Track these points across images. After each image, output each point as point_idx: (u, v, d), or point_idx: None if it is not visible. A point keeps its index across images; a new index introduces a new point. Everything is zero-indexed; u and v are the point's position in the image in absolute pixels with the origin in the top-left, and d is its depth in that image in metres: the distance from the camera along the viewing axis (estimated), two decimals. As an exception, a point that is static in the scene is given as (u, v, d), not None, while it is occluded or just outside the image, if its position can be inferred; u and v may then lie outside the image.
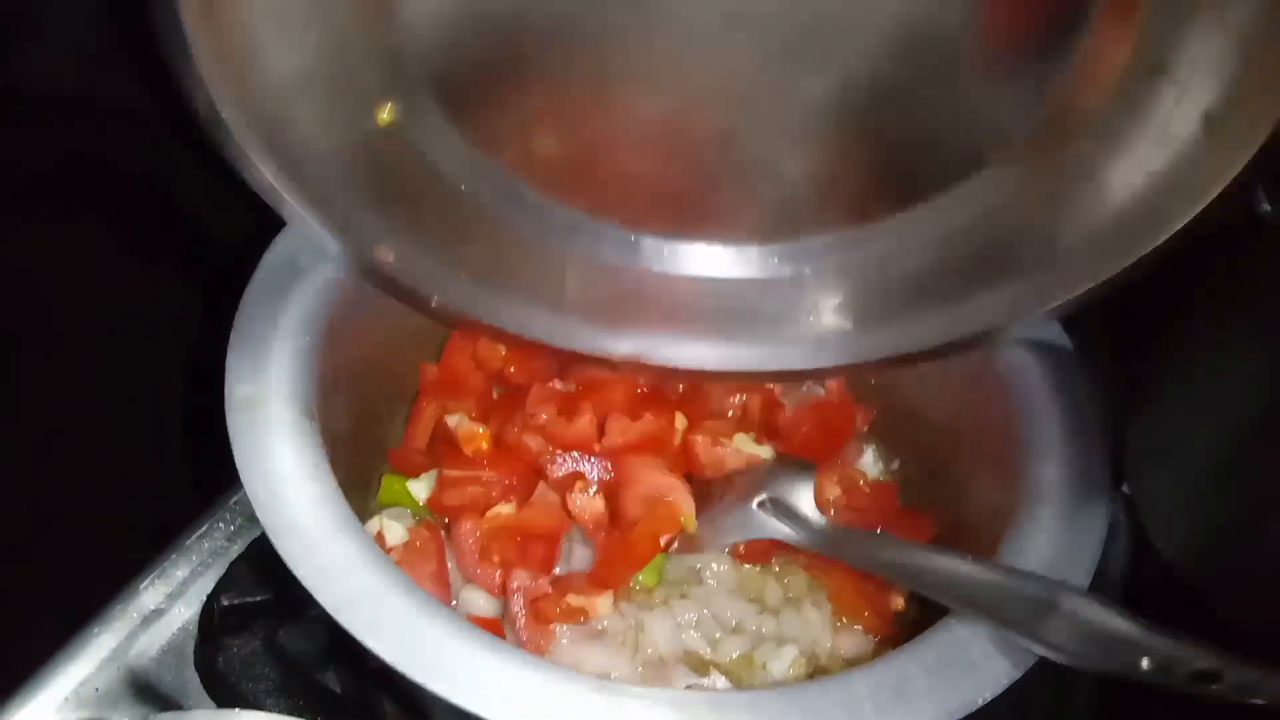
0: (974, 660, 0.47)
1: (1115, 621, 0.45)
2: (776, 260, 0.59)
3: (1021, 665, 0.47)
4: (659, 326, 0.62)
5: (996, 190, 0.54)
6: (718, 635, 0.65)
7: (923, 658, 0.47)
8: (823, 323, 0.61)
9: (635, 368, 0.64)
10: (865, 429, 0.75)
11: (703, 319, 0.62)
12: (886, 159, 0.54)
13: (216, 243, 0.77)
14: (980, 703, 0.46)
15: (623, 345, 0.62)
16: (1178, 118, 0.48)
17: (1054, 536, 0.52)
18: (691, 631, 0.65)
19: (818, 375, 0.70)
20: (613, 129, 0.51)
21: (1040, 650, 0.46)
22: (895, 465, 0.75)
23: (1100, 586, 0.83)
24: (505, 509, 0.64)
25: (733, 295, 0.60)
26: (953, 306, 0.59)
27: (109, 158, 0.72)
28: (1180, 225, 0.52)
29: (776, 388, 0.77)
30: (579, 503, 0.66)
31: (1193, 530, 0.84)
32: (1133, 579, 0.86)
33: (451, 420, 0.70)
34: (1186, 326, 0.87)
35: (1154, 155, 0.49)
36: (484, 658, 0.44)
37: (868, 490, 0.71)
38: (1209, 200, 0.50)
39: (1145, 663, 0.43)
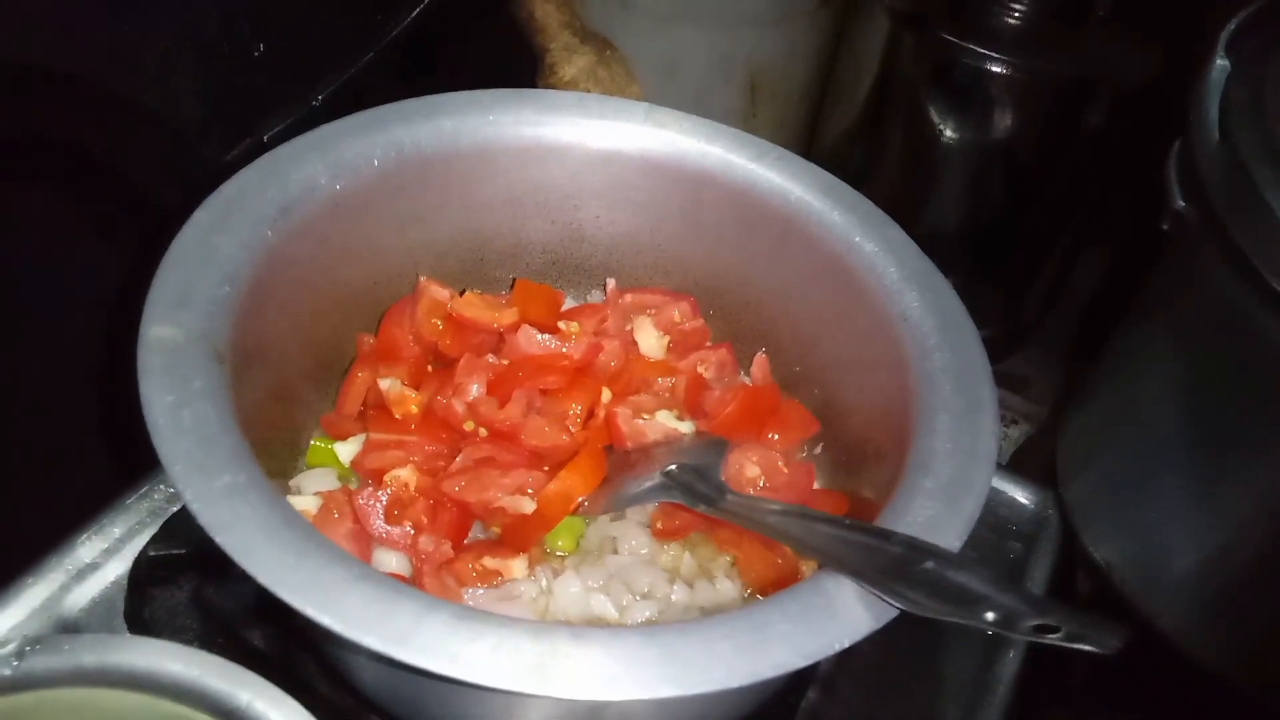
0: (835, 611, 0.48)
1: (965, 579, 0.46)
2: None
3: (881, 618, 0.48)
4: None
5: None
6: (626, 601, 0.66)
7: (786, 607, 0.48)
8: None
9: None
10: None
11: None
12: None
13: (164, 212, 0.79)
14: (837, 648, 0.47)
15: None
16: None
17: (932, 503, 0.54)
18: (601, 596, 0.66)
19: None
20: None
21: (897, 603, 0.48)
22: (819, 449, 0.77)
23: (1023, 577, 0.85)
24: (403, 473, 0.66)
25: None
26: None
27: (57, 126, 0.75)
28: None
29: (705, 370, 0.80)
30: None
31: (1117, 532, 0.85)
32: (1062, 575, 0.88)
33: (384, 383, 0.72)
34: (1118, 332, 0.89)
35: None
36: (354, 584, 0.46)
37: (785, 470, 0.73)
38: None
39: (990, 615, 0.44)
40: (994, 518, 0.88)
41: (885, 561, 0.49)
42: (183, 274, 0.58)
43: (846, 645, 0.47)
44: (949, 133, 1.11)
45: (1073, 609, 0.43)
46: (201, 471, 0.49)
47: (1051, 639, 0.43)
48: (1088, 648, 0.42)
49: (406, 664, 0.44)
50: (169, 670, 0.47)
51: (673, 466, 0.66)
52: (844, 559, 0.50)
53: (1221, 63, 0.70)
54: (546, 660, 0.44)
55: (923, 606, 0.46)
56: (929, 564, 0.48)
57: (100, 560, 0.75)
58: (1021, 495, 0.89)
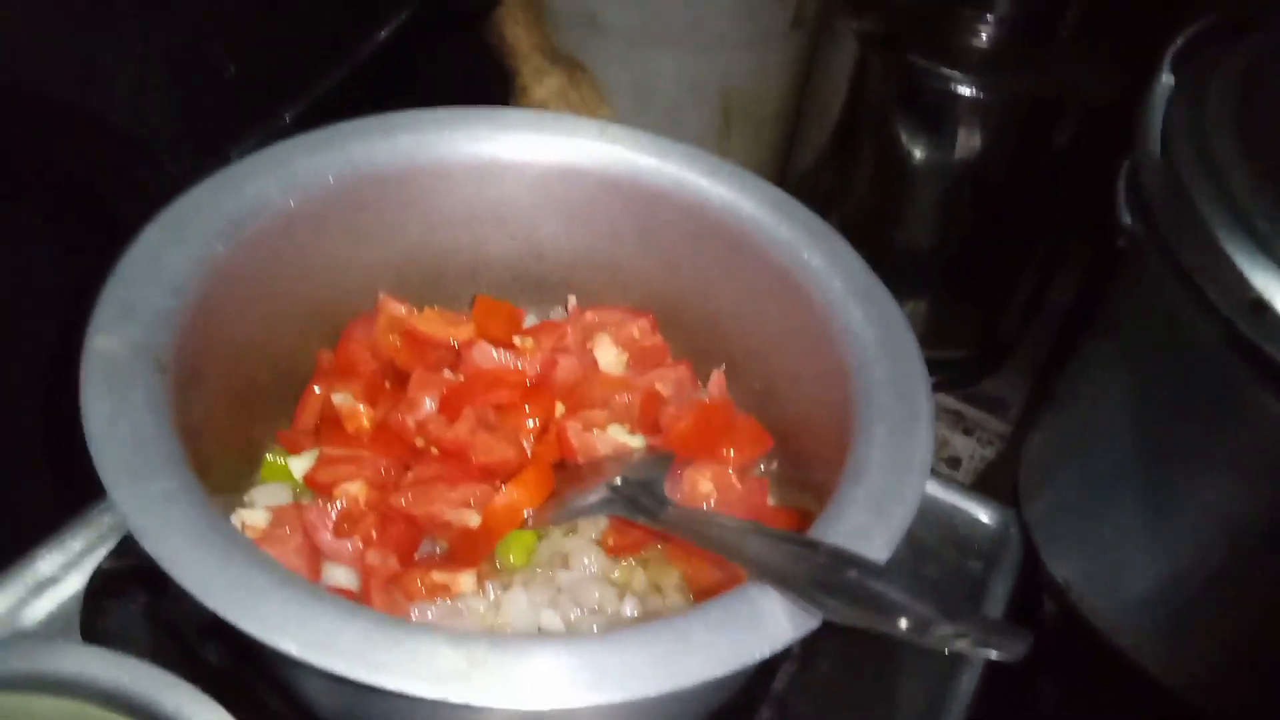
0: (758, 620, 0.48)
1: (882, 587, 0.47)
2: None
3: (802, 627, 0.49)
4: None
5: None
6: (574, 616, 0.66)
7: (709, 616, 0.49)
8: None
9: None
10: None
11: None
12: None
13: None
14: (758, 657, 0.47)
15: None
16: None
17: (862, 513, 0.54)
18: (549, 611, 0.66)
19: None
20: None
21: (817, 610, 0.48)
22: (774, 465, 0.77)
23: (983, 596, 0.85)
24: (353, 487, 0.66)
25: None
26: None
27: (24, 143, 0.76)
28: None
29: (663, 387, 0.80)
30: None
31: (1075, 550, 0.85)
32: (1024, 595, 0.88)
33: (337, 398, 0.73)
34: (1076, 351, 0.90)
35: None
36: (276, 589, 0.46)
37: (739, 486, 0.73)
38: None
39: (903, 623, 0.45)
40: (956, 536, 0.88)
41: (810, 570, 0.49)
42: (130, 287, 0.59)
43: (767, 654, 0.47)
44: (919, 154, 1.11)
45: (984, 617, 0.44)
46: (134, 478, 0.49)
47: (960, 645, 0.43)
48: (994, 654, 0.42)
49: (324, 670, 0.44)
50: (95, 676, 0.48)
51: (618, 480, 0.66)
52: (771, 567, 0.51)
53: (1166, 79, 0.71)
54: (464, 668, 0.45)
55: (843, 615, 0.47)
56: (851, 573, 0.48)
57: (59, 574, 0.75)
58: (983, 514, 0.89)
